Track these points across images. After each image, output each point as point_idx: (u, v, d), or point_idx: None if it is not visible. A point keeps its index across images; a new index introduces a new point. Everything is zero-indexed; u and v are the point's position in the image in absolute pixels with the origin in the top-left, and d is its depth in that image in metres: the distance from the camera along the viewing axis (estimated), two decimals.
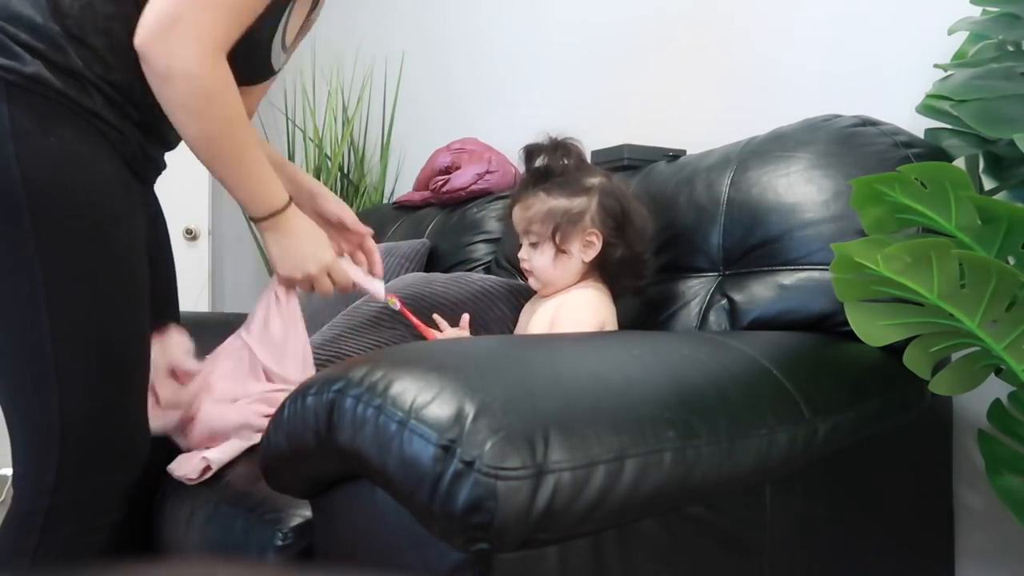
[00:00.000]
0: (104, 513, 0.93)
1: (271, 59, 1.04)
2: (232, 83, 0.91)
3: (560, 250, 1.09)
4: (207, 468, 0.97)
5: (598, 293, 1.10)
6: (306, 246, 1.02)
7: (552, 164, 1.11)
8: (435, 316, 1.23)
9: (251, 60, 1.00)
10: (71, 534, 0.90)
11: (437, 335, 1.19)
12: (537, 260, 1.12)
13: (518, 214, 1.13)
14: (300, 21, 1.06)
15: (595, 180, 1.10)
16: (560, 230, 1.08)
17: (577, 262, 1.10)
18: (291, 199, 1.00)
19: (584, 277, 1.11)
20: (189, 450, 1.02)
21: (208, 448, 0.99)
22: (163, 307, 1.07)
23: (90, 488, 0.91)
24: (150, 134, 0.98)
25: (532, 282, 1.16)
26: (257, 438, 1.02)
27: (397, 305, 1.17)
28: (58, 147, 0.88)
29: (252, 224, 1.03)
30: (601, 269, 1.11)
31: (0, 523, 0.91)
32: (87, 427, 0.90)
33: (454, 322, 1.27)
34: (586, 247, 1.09)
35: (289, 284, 1.06)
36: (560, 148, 1.11)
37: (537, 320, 1.13)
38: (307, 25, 1.10)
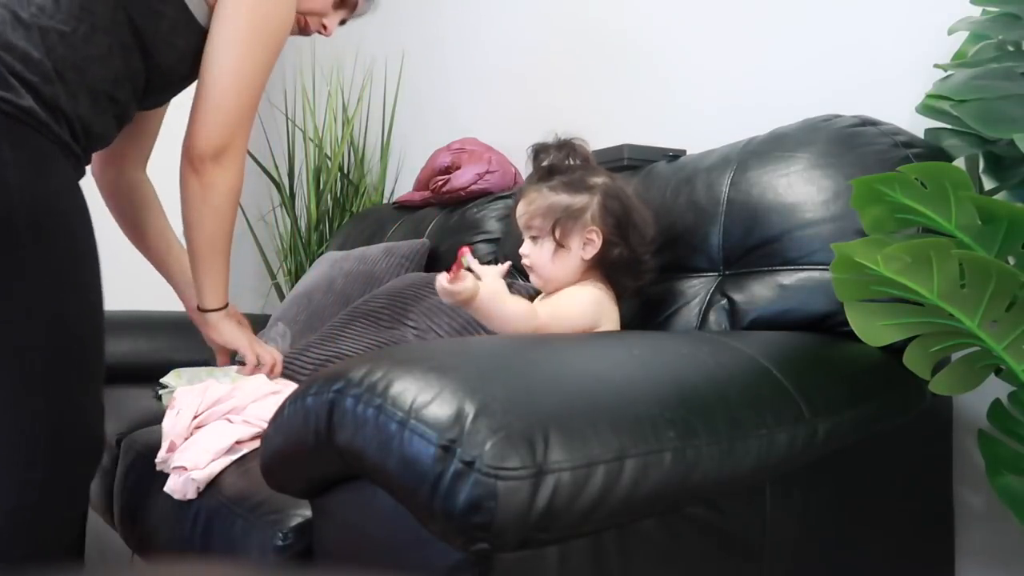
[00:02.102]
0: (79, 505, 0.99)
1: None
2: None
3: (560, 244, 1.09)
4: (197, 487, 0.99)
5: (601, 294, 1.10)
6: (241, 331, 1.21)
7: (557, 162, 1.11)
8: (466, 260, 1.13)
9: (166, 93, 1.16)
10: (55, 527, 0.95)
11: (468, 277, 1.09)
12: (537, 255, 1.11)
13: (521, 208, 1.13)
14: None
15: (599, 180, 1.11)
16: (560, 224, 1.08)
17: (576, 259, 1.10)
18: None
19: (584, 275, 1.11)
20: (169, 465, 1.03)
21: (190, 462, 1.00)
22: None
23: (72, 482, 0.98)
24: (87, 158, 1.07)
25: (533, 279, 1.15)
26: (243, 450, 1.03)
27: (469, 257, 1.05)
28: (48, 177, 0.95)
29: (207, 312, 1.18)
30: (601, 268, 1.11)
31: None
32: (71, 427, 0.97)
33: (456, 324, 1.27)
34: (586, 244, 1.09)
35: (256, 362, 1.19)
36: (566, 147, 1.12)
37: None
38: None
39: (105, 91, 1.01)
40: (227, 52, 1.03)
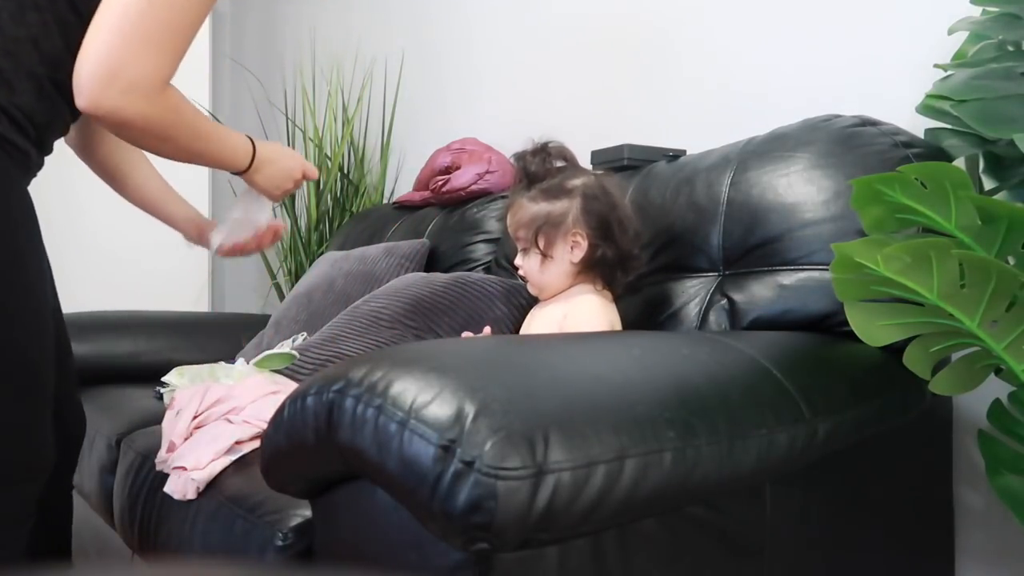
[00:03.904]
0: (25, 521, 0.96)
1: None
2: (179, 92, 0.94)
3: (544, 255, 1.10)
4: (197, 487, 0.99)
5: (602, 300, 1.10)
6: (281, 170, 1.14)
7: (536, 169, 1.11)
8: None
9: None
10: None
11: None
12: (527, 266, 1.13)
13: (508, 221, 1.15)
14: None
15: (578, 181, 1.10)
16: (542, 234, 1.09)
17: (564, 264, 1.10)
18: (249, 137, 1.09)
19: (577, 278, 1.11)
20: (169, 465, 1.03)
21: (191, 462, 1.00)
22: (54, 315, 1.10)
23: (10, 500, 0.93)
24: (41, 148, 0.99)
25: (529, 288, 1.17)
26: (243, 450, 1.03)
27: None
28: None
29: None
30: (593, 269, 1.11)
31: None
32: (9, 442, 0.92)
33: (456, 324, 1.27)
34: (573, 248, 1.09)
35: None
36: (542, 152, 1.12)
37: (542, 327, 1.13)
38: None
39: (47, 75, 0.93)
40: None
